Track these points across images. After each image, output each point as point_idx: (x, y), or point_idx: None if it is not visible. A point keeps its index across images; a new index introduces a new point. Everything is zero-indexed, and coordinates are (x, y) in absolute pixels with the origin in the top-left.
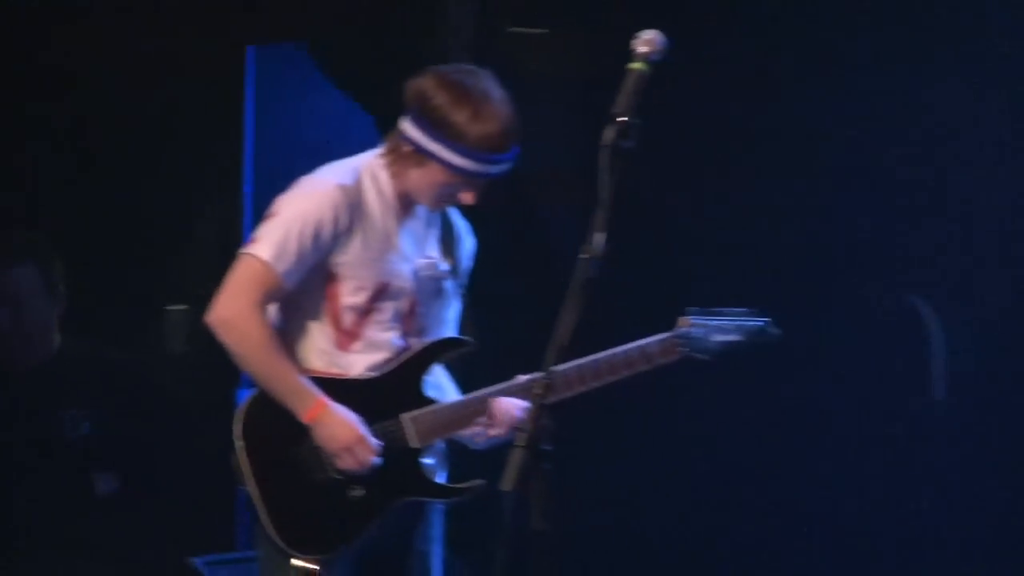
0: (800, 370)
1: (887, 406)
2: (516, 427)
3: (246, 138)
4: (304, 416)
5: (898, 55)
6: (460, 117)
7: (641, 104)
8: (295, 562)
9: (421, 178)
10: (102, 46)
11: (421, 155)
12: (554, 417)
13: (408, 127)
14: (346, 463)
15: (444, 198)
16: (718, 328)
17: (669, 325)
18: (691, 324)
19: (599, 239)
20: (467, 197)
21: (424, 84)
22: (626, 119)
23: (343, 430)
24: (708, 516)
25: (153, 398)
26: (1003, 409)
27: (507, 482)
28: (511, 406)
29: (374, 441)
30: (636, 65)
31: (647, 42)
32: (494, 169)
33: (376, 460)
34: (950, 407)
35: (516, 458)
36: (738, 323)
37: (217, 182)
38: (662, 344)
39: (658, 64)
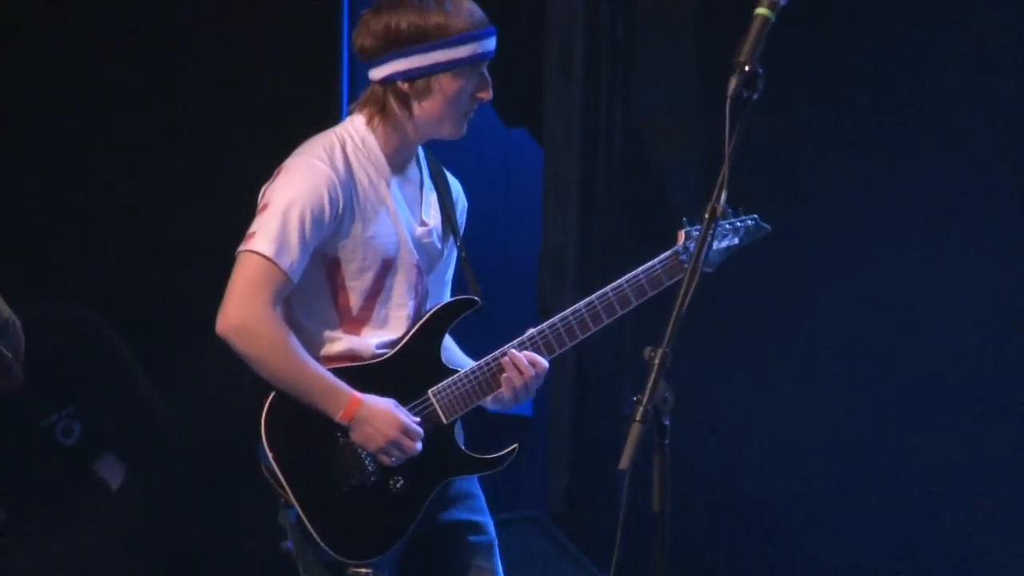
0: None
1: None
2: (533, 385)
3: (342, 79)
4: (339, 416)
5: None
6: (438, 17)
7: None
8: (352, 571)
9: (433, 105)
10: None
11: (423, 79)
12: (673, 388)
13: (389, 68)
14: (393, 457)
15: (465, 109)
16: (717, 235)
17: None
18: (690, 237)
19: (723, 198)
20: (485, 94)
21: (379, 23)
22: (750, 68)
23: (384, 424)
24: None
25: (138, 370)
26: None
27: (625, 460)
28: (526, 364)
29: (416, 426)
30: (762, 10)
31: None
32: (491, 44)
33: (420, 446)
34: None
35: (634, 434)
36: (732, 225)
37: (313, 121)
38: (666, 264)
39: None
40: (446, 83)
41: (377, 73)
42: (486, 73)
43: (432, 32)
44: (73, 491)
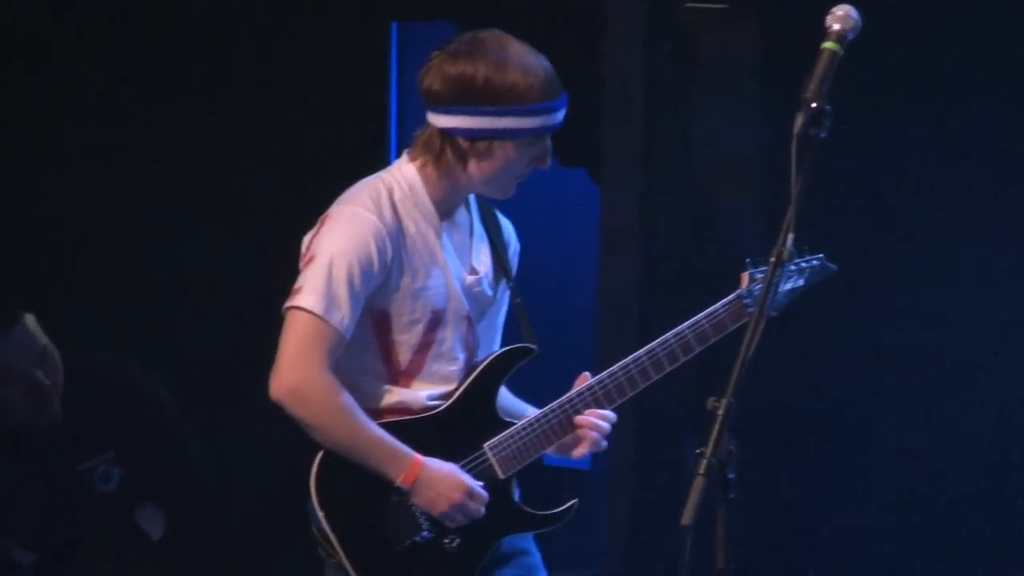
0: None
1: None
2: (601, 437)
3: (390, 118)
4: (400, 480)
5: None
6: (515, 76)
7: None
8: None
9: (491, 167)
10: (245, 24)
11: (485, 141)
12: (738, 440)
13: (454, 120)
14: (456, 521)
15: (518, 176)
16: (782, 278)
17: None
18: (754, 280)
19: (789, 241)
20: (543, 163)
21: (454, 69)
22: (818, 105)
23: (448, 488)
24: None
25: (180, 420)
26: None
27: (687, 515)
28: (591, 415)
29: (481, 489)
30: (829, 45)
31: (841, 18)
32: (561, 116)
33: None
34: None
35: (697, 488)
36: (797, 266)
37: (360, 161)
38: (729, 308)
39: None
40: (509, 149)
41: (439, 121)
42: (548, 142)
43: (506, 96)
44: (111, 539)
